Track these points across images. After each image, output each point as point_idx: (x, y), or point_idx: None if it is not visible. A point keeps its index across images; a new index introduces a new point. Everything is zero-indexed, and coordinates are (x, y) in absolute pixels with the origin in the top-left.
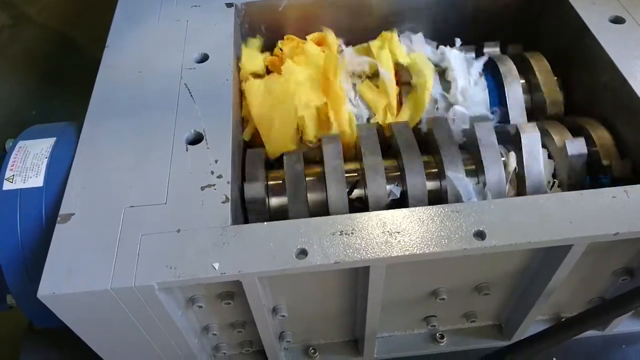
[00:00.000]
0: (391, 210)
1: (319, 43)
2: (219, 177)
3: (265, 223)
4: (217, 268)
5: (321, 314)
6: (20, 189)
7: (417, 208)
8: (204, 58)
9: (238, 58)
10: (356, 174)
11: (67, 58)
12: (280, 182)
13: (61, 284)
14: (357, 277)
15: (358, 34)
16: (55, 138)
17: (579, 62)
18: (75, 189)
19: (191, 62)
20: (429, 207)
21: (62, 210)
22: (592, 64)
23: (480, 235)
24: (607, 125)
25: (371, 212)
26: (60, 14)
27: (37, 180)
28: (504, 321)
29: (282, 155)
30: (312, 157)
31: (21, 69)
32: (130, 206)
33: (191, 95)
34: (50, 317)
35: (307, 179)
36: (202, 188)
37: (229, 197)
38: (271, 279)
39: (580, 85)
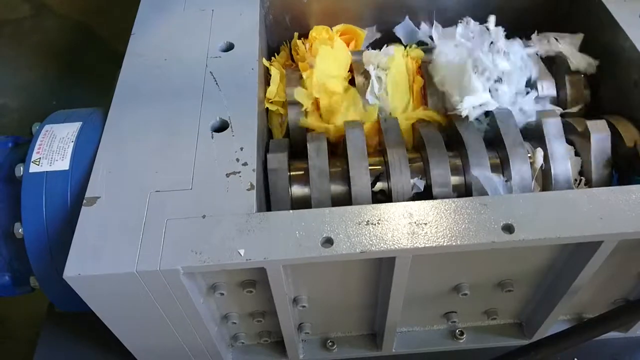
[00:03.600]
0: (418, 202)
1: (345, 33)
2: (244, 164)
3: (290, 211)
4: (242, 254)
5: (342, 305)
6: (47, 171)
7: (445, 200)
8: (229, 47)
9: (263, 48)
10: (380, 167)
11: (87, 50)
12: (303, 172)
13: (87, 266)
14: (381, 268)
15: (383, 26)
16: (81, 122)
17: (608, 59)
18: (101, 173)
19: (216, 50)
20: (456, 199)
21: (88, 194)
22: (622, 61)
23: (508, 229)
24: (636, 123)
25: (397, 203)
26: (83, 6)
27: (63, 164)
28: (525, 320)
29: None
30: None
31: (42, 59)
32: (156, 191)
33: (217, 83)
34: (72, 300)
35: (330, 169)
36: (228, 175)
37: (254, 185)
38: (294, 268)
39: (609, 83)
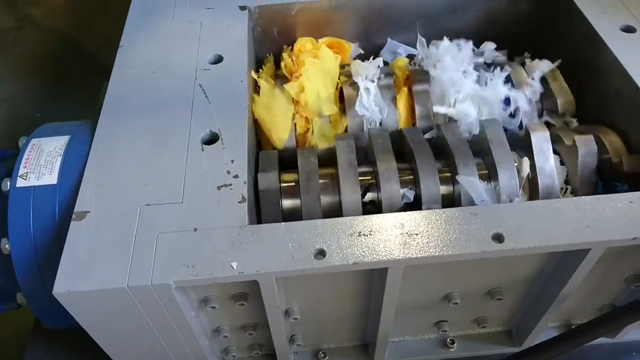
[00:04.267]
0: (409, 212)
1: (331, 46)
2: (236, 177)
3: (282, 223)
4: (235, 267)
5: (333, 316)
6: (34, 186)
7: (435, 210)
8: (218, 59)
9: (251, 60)
10: (369, 177)
11: (71, 61)
12: (293, 183)
13: (77, 282)
14: (373, 279)
15: (370, 38)
16: (69, 136)
17: (590, 70)
18: (90, 187)
19: (205, 63)
20: (446, 209)
21: (77, 208)
22: (604, 71)
23: (498, 238)
24: (620, 132)
25: (388, 214)
26: (67, 18)
27: (51, 178)
28: (515, 327)
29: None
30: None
31: (25, 71)
32: (147, 204)
33: (206, 96)
34: (60, 316)
35: (320, 181)
36: (219, 188)
37: (246, 197)
38: (286, 280)
39: (592, 93)
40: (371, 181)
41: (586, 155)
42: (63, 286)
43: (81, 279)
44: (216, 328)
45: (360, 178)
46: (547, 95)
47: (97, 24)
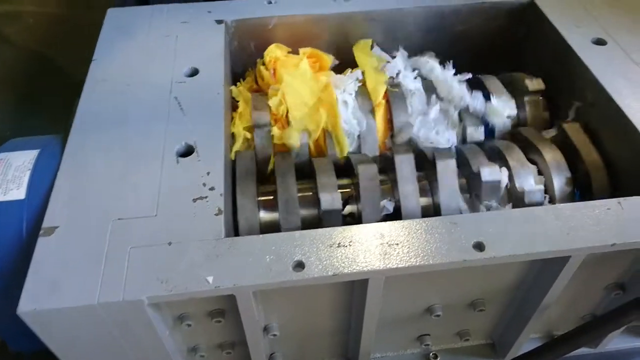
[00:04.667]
0: (389, 222)
1: (311, 57)
2: (212, 189)
3: (260, 235)
4: (211, 281)
5: (314, 332)
6: (1, 201)
7: (415, 220)
8: (194, 72)
9: (228, 74)
10: (349, 189)
11: (45, 80)
12: (272, 197)
13: (43, 300)
14: (354, 290)
15: (348, 52)
16: (38, 150)
17: (564, 82)
18: (59, 201)
19: (181, 76)
20: (427, 219)
21: (46, 223)
22: (577, 83)
23: (479, 246)
24: (595, 141)
25: (368, 224)
26: (41, 36)
27: (18, 193)
28: (497, 339)
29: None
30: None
31: None
32: (119, 218)
33: (181, 108)
34: (26, 338)
35: (299, 194)
36: (194, 200)
37: (222, 210)
38: (265, 294)
39: (565, 106)
40: (351, 193)
41: (559, 166)
42: (29, 304)
43: (48, 297)
44: (192, 347)
45: (340, 190)
46: (520, 107)
47: (72, 42)
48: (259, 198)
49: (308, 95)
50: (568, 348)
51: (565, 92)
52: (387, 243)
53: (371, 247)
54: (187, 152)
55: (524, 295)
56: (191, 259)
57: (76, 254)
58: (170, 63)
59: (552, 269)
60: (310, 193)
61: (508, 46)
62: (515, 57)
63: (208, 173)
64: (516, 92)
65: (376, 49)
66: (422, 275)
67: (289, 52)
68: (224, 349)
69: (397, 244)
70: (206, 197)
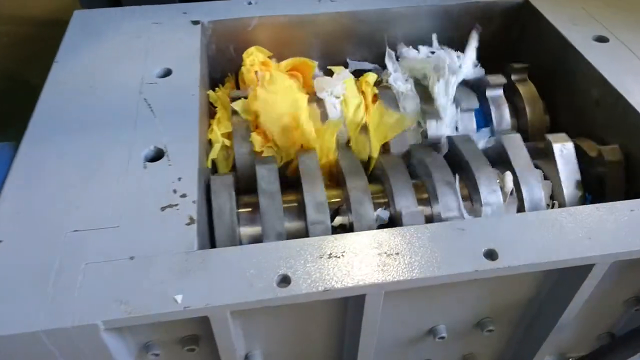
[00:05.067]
0: (386, 229)
1: (294, 68)
2: (183, 196)
3: (238, 247)
4: (179, 301)
5: (302, 358)
6: None
7: (417, 226)
8: (167, 73)
9: (205, 77)
10: (338, 200)
11: (17, 98)
12: (251, 209)
13: None
14: (348, 309)
15: (332, 55)
16: None
17: (564, 82)
18: (6, 214)
19: (152, 77)
20: (429, 225)
21: None
22: (580, 82)
23: (490, 255)
24: (600, 143)
25: (363, 232)
26: (14, 54)
27: None
28: None
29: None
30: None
31: None
32: (74, 230)
33: (151, 110)
34: None
35: (284, 205)
36: (163, 209)
37: (195, 219)
38: (245, 316)
39: (566, 106)
40: (341, 203)
41: (562, 149)
42: None
43: None
44: None
45: (329, 201)
46: (520, 111)
47: (45, 59)
48: (239, 210)
49: (282, 115)
50: None
51: (566, 92)
52: (385, 253)
53: (367, 257)
54: (157, 156)
55: (538, 312)
56: (157, 275)
57: (19, 273)
58: (140, 64)
59: (571, 280)
60: (296, 204)
61: (504, 46)
62: (509, 58)
63: (179, 179)
64: (517, 97)
65: (352, 63)
66: (425, 290)
67: (270, 57)
68: None
69: (397, 254)
70: (176, 204)
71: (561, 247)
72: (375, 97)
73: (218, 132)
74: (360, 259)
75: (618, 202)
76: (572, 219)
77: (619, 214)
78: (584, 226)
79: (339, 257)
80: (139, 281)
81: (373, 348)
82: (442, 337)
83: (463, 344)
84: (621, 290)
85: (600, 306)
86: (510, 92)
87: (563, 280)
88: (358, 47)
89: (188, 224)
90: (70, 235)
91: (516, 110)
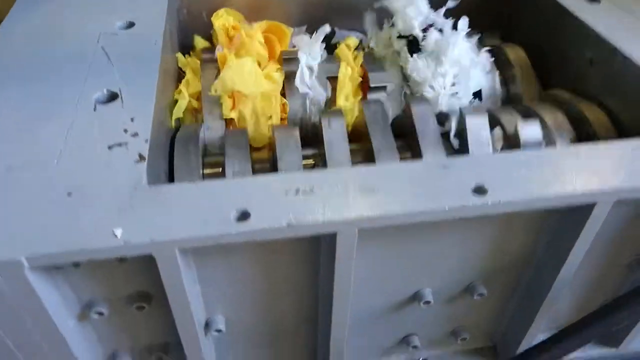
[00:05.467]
0: (363, 166)
1: (269, 31)
2: (135, 135)
3: (194, 183)
4: (119, 235)
5: (271, 323)
6: None
7: (397, 163)
8: (129, 25)
9: (174, 40)
10: (312, 160)
11: None
12: (220, 169)
13: None
14: (320, 256)
15: (313, 18)
16: None
17: (558, 46)
18: None
19: (114, 28)
20: (410, 162)
21: None
22: (574, 42)
23: (480, 190)
24: (598, 103)
25: (335, 168)
26: None
27: None
28: (499, 341)
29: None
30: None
31: None
32: (6, 168)
33: (108, 58)
34: None
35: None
36: (110, 147)
37: (145, 156)
38: (199, 263)
39: (559, 70)
40: (314, 162)
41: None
42: None
43: None
44: (112, 353)
45: (304, 162)
46: (510, 79)
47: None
48: (205, 160)
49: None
50: (580, 339)
51: (558, 58)
52: (359, 187)
53: (339, 193)
54: (110, 99)
55: (534, 272)
56: (97, 211)
57: None
58: (101, 17)
59: (570, 226)
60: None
61: (495, 13)
62: (503, 25)
63: (132, 119)
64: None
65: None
66: (406, 240)
67: (241, 20)
68: (153, 353)
69: (374, 190)
70: (126, 142)
71: (558, 183)
72: (361, 68)
73: (186, 92)
74: (331, 194)
75: (618, 140)
76: (569, 155)
77: (619, 153)
78: (582, 163)
79: (307, 193)
80: (75, 218)
81: (348, 308)
82: (428, 302)
83: (452, 314)
84: (623, 249)
85: (599, 269)
86: (500, 60)
87: (561, 227)
88: (340, 15)
89: (137, 162)
90: (2, 172)
91: (505, 78)
